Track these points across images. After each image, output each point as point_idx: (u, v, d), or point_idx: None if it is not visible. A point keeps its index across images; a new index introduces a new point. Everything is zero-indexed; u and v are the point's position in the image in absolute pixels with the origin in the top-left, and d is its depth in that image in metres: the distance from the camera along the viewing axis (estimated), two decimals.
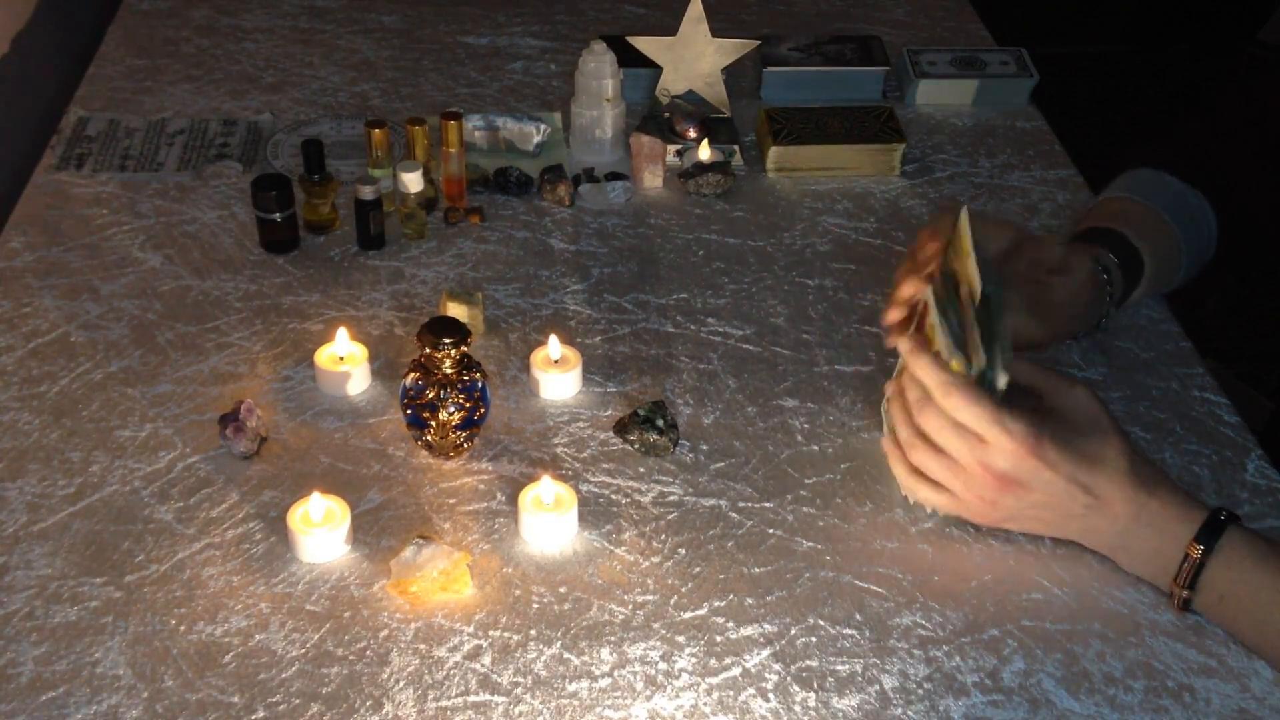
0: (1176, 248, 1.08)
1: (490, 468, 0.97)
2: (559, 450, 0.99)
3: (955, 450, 0.87)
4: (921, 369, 0.87)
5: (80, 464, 0.96)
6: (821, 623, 0.86)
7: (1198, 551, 0.84)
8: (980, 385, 0.86)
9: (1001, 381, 0.86)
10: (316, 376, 1.04)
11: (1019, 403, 0.86)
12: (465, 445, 0.97)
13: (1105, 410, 0.88)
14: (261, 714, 0.79)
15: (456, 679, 0.82)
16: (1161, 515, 0.86)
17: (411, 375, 0.95)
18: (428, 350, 0.93)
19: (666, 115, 1.34)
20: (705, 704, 0.81)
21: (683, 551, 0.91)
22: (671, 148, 1.32)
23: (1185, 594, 0.85)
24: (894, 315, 0.94)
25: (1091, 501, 0.86)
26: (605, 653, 0.84)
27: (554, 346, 1.04)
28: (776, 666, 0.83)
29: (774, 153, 1.31)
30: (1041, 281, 0.98)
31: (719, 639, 0.85)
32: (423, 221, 1.20)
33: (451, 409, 0.93)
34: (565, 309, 1.13)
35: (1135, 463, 0.86)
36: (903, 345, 0.90)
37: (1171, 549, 0.85)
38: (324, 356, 1.03)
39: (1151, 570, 0.88)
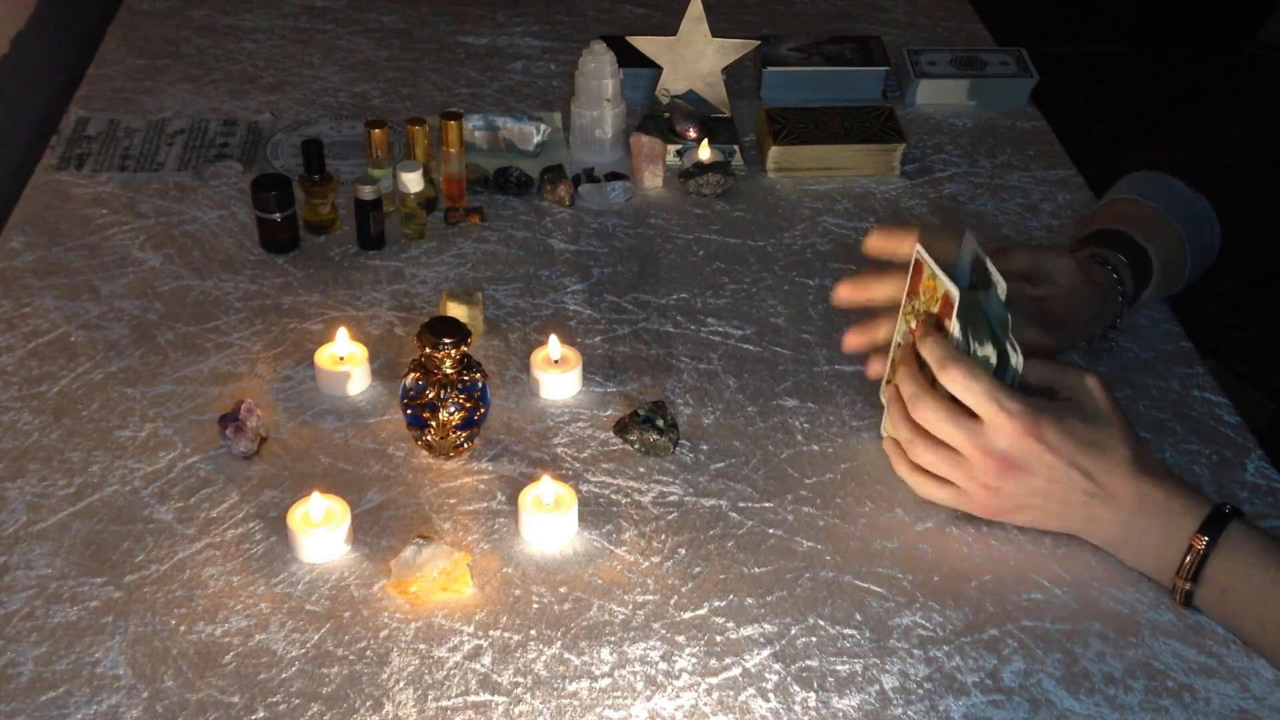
0: (1181, 249, 1.08)
1: (490, 468, 0.97)
2: (559, 450, 0.99)
3: (953, 438, 0.87)
4: (923, 347, 0.88)
5: (80, 464, 0.96)
6: (821, 623, 0.86)
7: (1202, 543, 0.83)
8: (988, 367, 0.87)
9: (1015, 360, 0.86)
10: (316, 376, 1.04)
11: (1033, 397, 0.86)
12: (465, 445, 0.97)
13: (1113, 400, 0.87)
14: (261, 714, 0.79)
15: (456, 679, 0.82)
16: (1165, 506, 0.85)
17: (411, 375, 0.95)
18: (428, 350, 0.93)
19: (666, 115, 1.34)
20: (705, 704, 0.81)
21: (683, 551, 0.91)
22: (671, 148, 1.32)
23: (1187, 587, 0.84)
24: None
25: (1093, 488, 0.86)
26: (605, 653, 0.84)
27: (554, 346, 1.04)
28: (776, 666, 0.83)
29: (774, 153, 1.31)
30: (1028, 295, 0.97)
31: (719, 639, 0.85)
32: (423, 221, 1.20)
33: (451, 409, 0.93)
34: (565, 309, 1.13)
35: (1139, 453, 0.86)
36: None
37: (1175, 541, 0.84)
38: (324, 356, 1.03)
39: (1154, 564, 0.87)
